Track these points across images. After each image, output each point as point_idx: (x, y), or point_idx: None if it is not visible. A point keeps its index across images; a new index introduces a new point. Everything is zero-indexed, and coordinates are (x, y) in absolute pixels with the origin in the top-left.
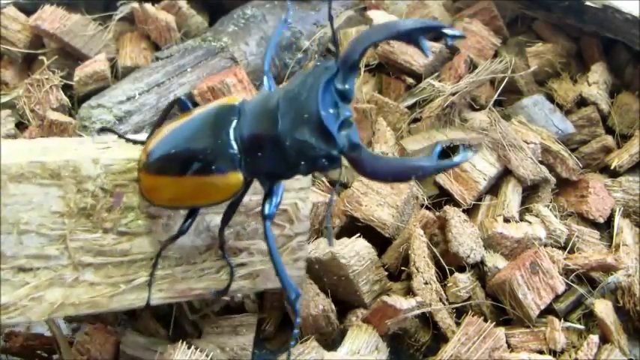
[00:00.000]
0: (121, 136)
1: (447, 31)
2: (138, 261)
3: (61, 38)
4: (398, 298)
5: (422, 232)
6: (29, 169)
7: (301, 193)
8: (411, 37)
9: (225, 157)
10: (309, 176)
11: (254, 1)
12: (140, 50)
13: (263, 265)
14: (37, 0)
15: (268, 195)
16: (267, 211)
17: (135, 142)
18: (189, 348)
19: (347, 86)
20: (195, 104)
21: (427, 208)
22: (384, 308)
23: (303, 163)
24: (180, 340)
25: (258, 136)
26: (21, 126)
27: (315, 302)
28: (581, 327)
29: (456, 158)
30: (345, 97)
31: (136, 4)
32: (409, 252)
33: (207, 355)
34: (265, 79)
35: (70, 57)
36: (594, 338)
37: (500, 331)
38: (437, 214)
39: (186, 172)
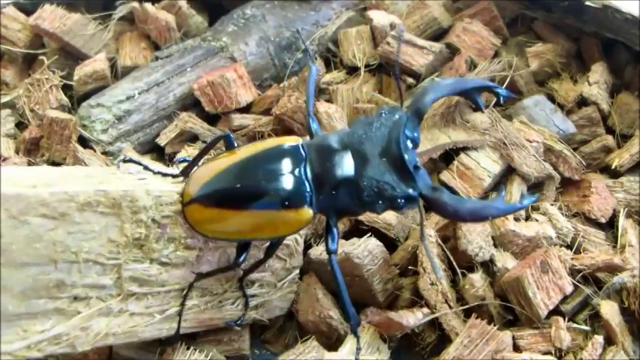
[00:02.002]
0: (146, 168)
1: (500, 91)
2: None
3: (60, 38)
4: (404, 313)
5: (432, 232)
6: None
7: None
8: (470, 94)
9: (298, 194)
10: None
11: (254, 1)
12: (140, 50)
13: (269, 296)
14: (36, 0)
15: (329, 231)
16: (332, 246)
17: (164, 174)
18: (188, 349)
19: (415, 134)
20: (199, 103)
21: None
22: (391, 322)
23: (380, 202)
24: (179, 342)
25: (332, 176)
26: (21, 126)
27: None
28: (587, 328)
29: (525, 201)
30: (414, 143)
31: (135, 4)
32: (418, 252)
33: (206, 356)
34: (310, 120)
35: (70, 56)
36: (599, 339)
37: (505, 334)
38: None
39: (255, 206)
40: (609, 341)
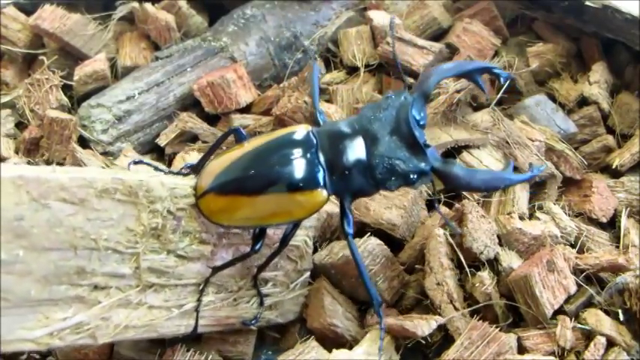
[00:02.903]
0: (157, 169)
1: (500, 72)
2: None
3: (60, 38)
4: (419, 323)
5: (441, 231)
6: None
7: (310, 231)
8: (472, 75)
9: (311, 176)
10: (314, 217)
11: (254, 1)
12: (140, 50)
13: (283, 296)
14: (36, 0)
15: (344, 214)
16: (348, 229)
17: (175, 173)
18: (187, 351)
19: (422, 114)
20: (199, 103)
21: (435, 203)
22: (404, 330)
23: (393, 179)
24: (180, 343)
25: (344, 157)
26: (21, 126)
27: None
28: (590, 328)
29: (534, 170)
30: (421, 124)
31: (135, 4)
32: (425, 251)
33: (205, 358)
34: (318, 114)
35: (70, 57)
36: (602, 339)
37: (508, 336)
38: (455, 206)
39: (269, 190)
40: (611, 342)
